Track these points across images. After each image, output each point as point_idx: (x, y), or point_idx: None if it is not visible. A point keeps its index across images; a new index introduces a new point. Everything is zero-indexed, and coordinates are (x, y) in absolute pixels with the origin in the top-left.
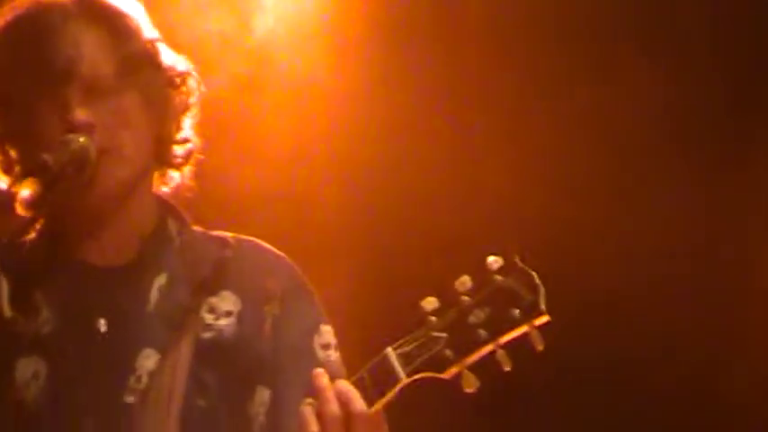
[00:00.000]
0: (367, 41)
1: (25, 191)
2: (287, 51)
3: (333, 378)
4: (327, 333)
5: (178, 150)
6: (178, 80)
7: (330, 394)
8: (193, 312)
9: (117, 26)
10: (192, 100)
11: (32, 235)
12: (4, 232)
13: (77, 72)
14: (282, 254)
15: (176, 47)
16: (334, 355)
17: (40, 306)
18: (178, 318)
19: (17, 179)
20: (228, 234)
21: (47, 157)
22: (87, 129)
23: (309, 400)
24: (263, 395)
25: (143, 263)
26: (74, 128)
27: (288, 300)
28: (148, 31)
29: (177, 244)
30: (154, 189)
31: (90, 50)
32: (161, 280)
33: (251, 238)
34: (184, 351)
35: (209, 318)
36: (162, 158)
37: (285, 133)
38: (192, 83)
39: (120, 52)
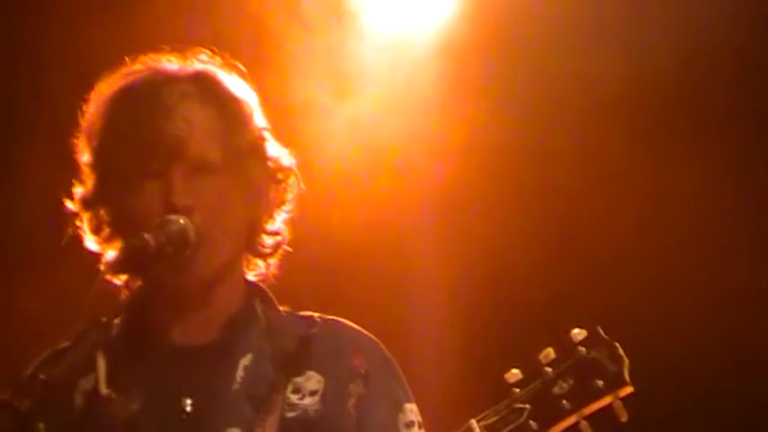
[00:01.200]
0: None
1: (111, 252)
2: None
3: None
4: (411, 412)
5: (268, 241)
6: (280, 175)
7: None
8: (279, 392)
9: (230, 112)
10: (290, 196)
11: (124, 314)
12: (103, 312)
13: (185, 153)
14: (367, 332)
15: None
16: None
17: (129, 385)
18: (263, 397)
19: (106, 240)
20: (315, 313)
21: (148, 236)
22: (187, 211)
23: None
24: None
25: (229, 342)
26: (175, 210)
27: (372, 378)
28: (259, 119)
29: (263, 324)
30: (242, 273)
31: (200, 133)
32: (246, 360)
33: (337, 318)
34: (269, 430)
35: (293, 398)
36: (252, 247)
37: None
38: (292, 179)
39: (230, 139)
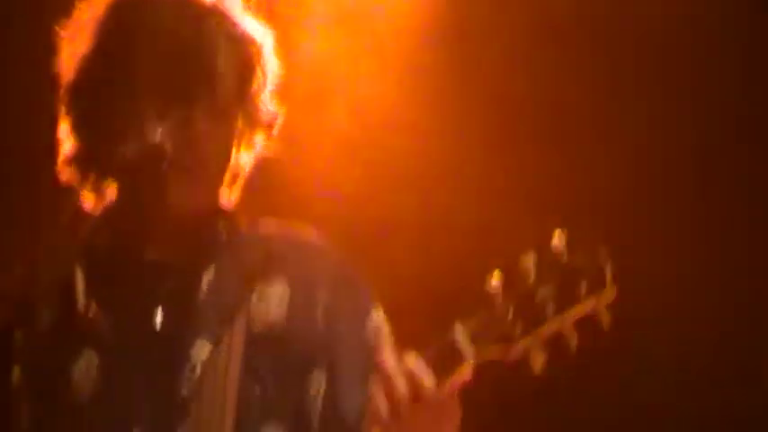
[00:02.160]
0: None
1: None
2: None
3: (380, 359)
4: (377, 317)
5: (237, 173)
6: (269, 125)
7: (398, 374)
8: (243, 301)
9: (253, 60)
10: (258, 140)
11: (99, 231)
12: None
13: (215, 86)
14: (329, 241)
15: None
16: (387, 338)
17: (104, 299)
18: (229, 308)
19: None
20: (276, 224)
21: (128, 147)
22: (194, 141)
23: (375, 381)
24: (319, 379)
25: (193, 258)
26: (174, 137)
27: (337, 286)
28: (272, 67)
29: (224, 239)
30: None
31: (230, 76)
32: (210, 274)
33: (299, 228)
34: (237, 340)
35: (259, 306)
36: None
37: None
38: (276, 129)
39: (244, 85)
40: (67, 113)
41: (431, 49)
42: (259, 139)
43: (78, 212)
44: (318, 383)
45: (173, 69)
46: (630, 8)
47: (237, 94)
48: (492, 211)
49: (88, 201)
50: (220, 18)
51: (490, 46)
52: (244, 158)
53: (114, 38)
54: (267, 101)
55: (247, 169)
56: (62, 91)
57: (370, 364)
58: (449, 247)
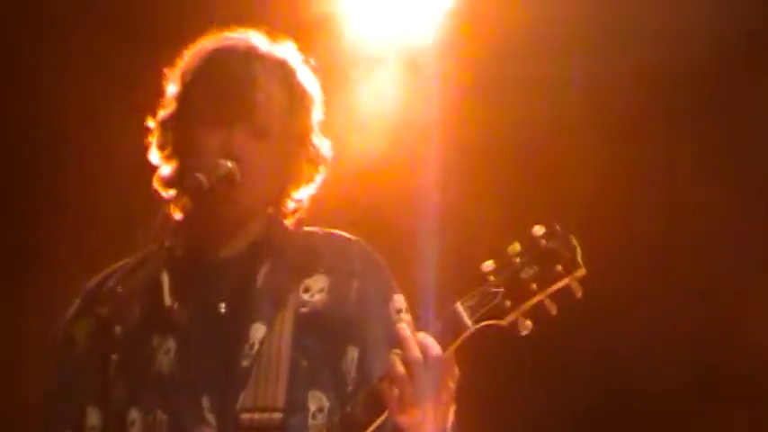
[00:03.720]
0: None
1: (166, 169)
2: None
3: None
4: (399, 300)
5: (291, 205)
6: (317, 161)
7: (412, 343)
8: (292, 291)
9: (298, 97)
10: (318, 177)
11: (178, 237)
12: (165, 237)
13: (254, 117)
14: (360, 240)
15: None
16: (406, 317)
17: (183, 297)
18: (280, 297)
19: (166, 158)
20: (317, 228)
21: (200, 176)
22: (238, 161)
23: (396, 349)
24: (353, 353)
25: (251, 256)
26: (229, 156)
27: (366, 275)
28: (317, 110)
29: (277, 242)
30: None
31: (271, 106)
32: (265, 268)
33: (336, 231)
34: (287, 323)
35: (305, 296)
36: (276, 206)
37: None
38: (324, 166)
39: (290, 120)
40: (158, 143)
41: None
42: (317, 175)
43: (164, 224)
44: (352, 357)
45: (224, 102)
46: None
47: (283, 124)
48: (485, 210)
49: (173, 213)
50: (273, 62)
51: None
52: (303, 193)
53: (195, 85)
54: (320, 142)
55: (306, 203)
56: (156, 123)
57: (394, 338)
58: (450, 241)
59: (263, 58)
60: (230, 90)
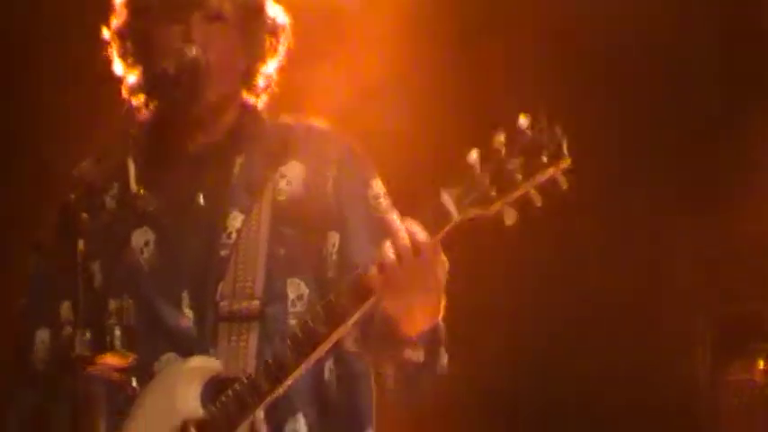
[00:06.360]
0: None
1: (132, 77)
2: None
3: (383, 219)
4: (377, 185)
5: (261, 82)
6: (277, 31)
7: (401, 231)
8: (269, 179)
9: None
10: (282, 47)
11: (146, 129)
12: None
13: (205, 3)
14: (336, 128)
15: None
16: (384, 201)
17: (153, 185)
18: (257, 186)
19: (130, 66)
20: (291, 118)
21: (165, 63)
22: (202, 47)
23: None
24: (334, 238)
25: (226, 147)
26: (191, 42)
27: (343, 163)
28: None
29: (251, 131)
30: (239, 99)
31: None
32: (241, 158)
33: (310, 119)
34: (264, 211)
35: (282, 183)
36: (248, 85)
37: None
38: (285, 34)
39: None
40: (119, 53)
41: None
42: (275, 43)
43: (129, 116)
44: (333, 242)
45: None
46: None
47: (235, 4)
48: (469, 98)
49: (138, 108)
50: None
51: None
52: (268, 65)
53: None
54: (271, 8)
55: (274, 77)
56: (111, 36)
57: (374, 224)
58: (434, 130)
59: None
60: None
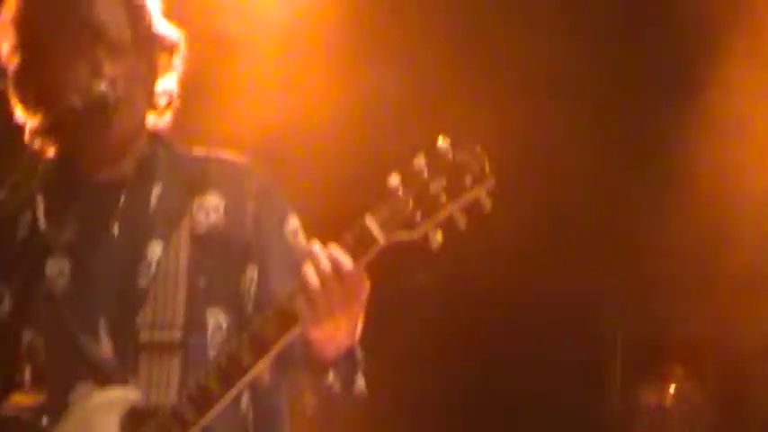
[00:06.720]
0: None
1: (34, 122)
2: None
3: (301, 256)
4: (293, 222)
5: (162, 99)
6: (171, 47)
7: (323, 256)
8: (186, 209)
9: (134, 1)
10: (177, 62)
11: (55, 163)
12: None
13: (107, 34)
14: (250, 161)
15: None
16: (301, 238)
17: (64, 218)
18: (175, 216)
19: (33, 112)
20: (204, 150)
21: (75, 99)
22: (111, 81)
23: (307, 262)
24: (252, 272)
25: (141, 177)
26: (99, 77)
27: (261, 196)
28: (154, 3)
29: (165, 161)
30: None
31: (117, 19)
32: (157, 189)
33: (226, 152)
34: (184, 241)
35: (199, 213)
36: (151, 105)
37: None
38: (178, 50)
39: (135, 24)
40: (18, 98)
41: None
42: (172, 60)
43: (33, 157)
44: (251, 276)
45: (74, 31)
46: None
47: (133, 31)
48: (387, 123)
49: (43, 146)
50: None
51: None
52: (168, 82)
53: (23, 25)
54: (163, 27)
55: (175, 90)
56: (9, 81)
57: (293, 258)
58: (353, 157)
59: None
60: (72, 17)
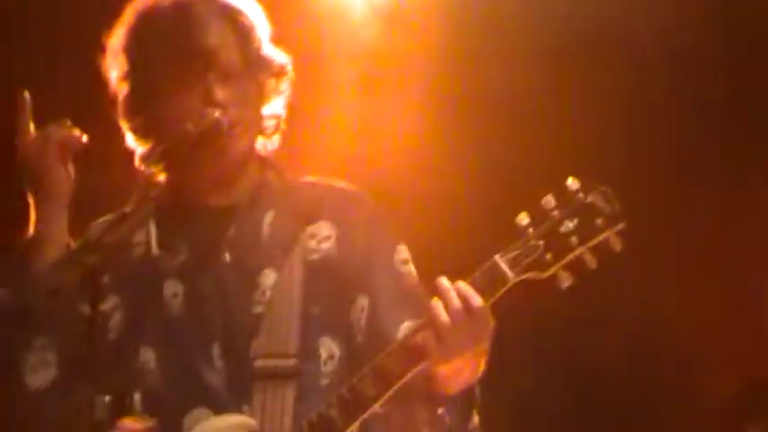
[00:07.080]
0: None
1: (145, 149)
2: None
3: (411, 286)
4: (403, 251)
5: (271, 123)
6: (279, 73)
7: (453, 293)
8: (298, 238)
9: (244, 24)
10: (285, 85)
11: (167, 189)
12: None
13: (218, 60)
14: (362, 190)
15: None
16: (410, 268)
17: (176, 243)
18: (288, 243)
19: (141, 139)
20: (316, 178)
21: (189, 126)
22: (223, 107)
23: (435, 298)
24: (363, 301)
25: (253, 204)
26: (213, 105)
27: (371, 226)
28: (263, 28)
29: (276, 187)
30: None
31: (227, 43)
32: (269, 216)
33: (336, 179)
34: (297, 269)
35: (311, 243)
36: (260, 131)
37: None
38: (287, 73)
39: (246, 47)
40: (129, 125)
41: None
42: (280, 84)
43: (147, 182)
44: (362, 305)
45: (186, 58)
46: None
47: (242, 56)
48: (513, 161)
49: (153, 174)
50: (209, 3)
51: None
52: (276, 106)
53: (134, 53)
54: (271, 51)
55: (283, 114)
56: (119, 109)
57: (403, 290)
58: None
59: (190, 1)
60: (184, 45)
